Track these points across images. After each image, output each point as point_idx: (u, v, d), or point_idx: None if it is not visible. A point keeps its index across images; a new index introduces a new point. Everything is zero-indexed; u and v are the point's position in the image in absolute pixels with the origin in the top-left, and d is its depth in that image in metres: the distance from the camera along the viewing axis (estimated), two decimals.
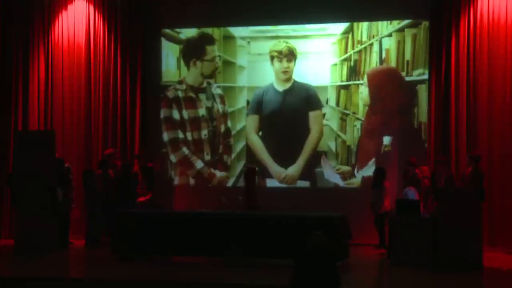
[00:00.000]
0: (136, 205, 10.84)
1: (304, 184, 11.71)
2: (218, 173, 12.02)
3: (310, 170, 11.70)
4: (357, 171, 11.55)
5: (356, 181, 11.54)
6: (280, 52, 11.86)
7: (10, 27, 12.31)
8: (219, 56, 12.15)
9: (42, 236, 9.93)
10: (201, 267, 9.00)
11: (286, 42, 11.88)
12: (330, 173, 11.64)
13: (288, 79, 11.89)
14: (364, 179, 11.40)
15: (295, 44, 11.85)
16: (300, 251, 3.99)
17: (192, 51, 12.21)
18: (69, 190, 10.89)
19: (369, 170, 11.32)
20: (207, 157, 12.03)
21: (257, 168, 11.33)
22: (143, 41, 12.17)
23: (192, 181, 12.07)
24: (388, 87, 11.55)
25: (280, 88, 11.93)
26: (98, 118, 12.12)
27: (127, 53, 12.16)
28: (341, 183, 11.59)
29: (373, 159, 11.40)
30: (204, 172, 12.04)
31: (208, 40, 12.18)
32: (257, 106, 11.98)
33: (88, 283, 8.06)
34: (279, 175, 11.76)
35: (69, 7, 12.30)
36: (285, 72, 11.87)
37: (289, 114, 11.83)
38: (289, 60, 11.86)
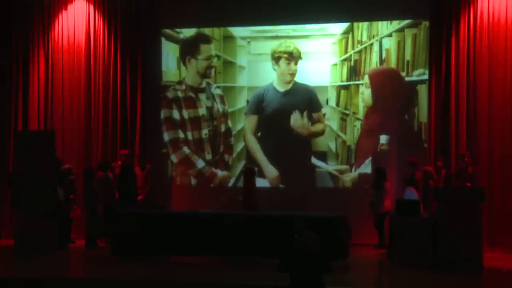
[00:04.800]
0: (136, 205, 10.85)
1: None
2: (220, 173, 12.01)
3: (310, 170, 11.70)
4: (355, 170, 11.56)
5: (352, 175, 11.55)
6: (290, 54, 11.83)
7: (10, 27, 12.31)
8: (219, 56, 12.15)
9: (42, 236, 9.93)
10: (201, 267, 9.00)
11: (293, 44, 11.87)
12: (323, 162, 11.70)
13: (290, 81, 11.90)
14: (361, 176, 11.42)
15: (296, 43, 11.85)
16: (289, 251, 4.04)
17: (187, 49, 12.22)
18: (72, 191, 10.90)
19: (365, 168, 11.39)
20: (208, 157, 12.03)
21: (256, 168, 11.34)
22: (143, 41, 12.17)
23: (193, 181, 12.07)
24: (389, 87, 11.56)
25: (281, 88, 11.92)
26: (98, 118, 12.12)
27: (127, 53, 12.16)
28: (334, 171, 11.61)
29: (370, 158, 11.42)
30: (205, 172, 12.04)
31: (204, 39, 12.17)
32: (257, 106, 11.98)
33: (88, 283, 8.06)
34: (272, 175, 11.76)
35: (69, 7, 12.30)
36: (291, 74, 11.87)
37: (289, 115, 11.82)
38: (296, 63, 11.85)
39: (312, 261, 4.19)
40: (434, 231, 8.82)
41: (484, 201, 9.20)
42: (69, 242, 10.72)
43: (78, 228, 11.22)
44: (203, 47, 12.15)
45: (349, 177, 11.57)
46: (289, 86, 11.89)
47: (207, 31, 12.20)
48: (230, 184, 11.99)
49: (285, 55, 11.85)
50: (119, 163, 11.28)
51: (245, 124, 12.03)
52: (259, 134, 11.97)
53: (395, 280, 8.60)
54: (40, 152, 10.21)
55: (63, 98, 12.23)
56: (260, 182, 11.59)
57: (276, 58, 11.90)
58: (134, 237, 9.31)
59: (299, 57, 11.82)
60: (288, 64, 11.85)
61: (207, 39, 12.17)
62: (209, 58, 12.13)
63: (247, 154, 12.00)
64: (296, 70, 11.83)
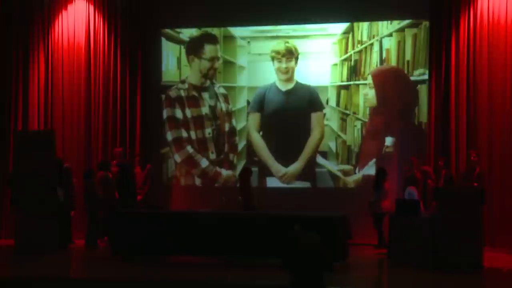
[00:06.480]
0: (136, 205, 10.85)
1: (304, 184, 11.71)
2: (224, 172, 11.99)
3: (310, 170, 11.70)
4: (358, 171, 11.55)
5: (356, 177, 11.54)
6: (277, 52, 11.87)
7: (10, 27, 12.31)
8: (220, 56, 12.14)
9: (42, 236, 9.92)
10: (201, 267, 9.00)
11: (287, 42, 11.88)
12: (327, 161, 11.68)
13: (289, 79, 11.88)
14: (364, 177, 11.41)
15: (296, 43, 11.84)
16: (290, 250, 4.04)
17: (191, 48, 12.22)
18: (71, 190, 10.92)
19: (369, 170, 11.36)
20: (212, 156, 12.02)
21: (254, 168, 11.34)
22: (143, 41, 12.17)
23: (197, 181, 12.05)
24: (393, 87, 11.55)
25: (283, 88, 11.92)
26: (98, 118, 12.12)
27: (127, 53, 12.17)
28: (337, 172, 11.59)
29: (374, 160, 11.40)
30: (209, 171, 12.02)
31: (210, 39, 12.17)
32: (259, 104, 11.97)
33: (88, 283, 8.05)
34: (279, 173, 11.78)
35: (69, 7, 12.31)
36: (285, 72, 11.87)
37: (291, 114, 11.82)
38: (288, 60, 11.85)
39: (312, 260, 4.18)
40: (434, 231, 8.81)
41: (484, 203, 9.12)
42: (69, 242, 10.72)
43: (78, 228, 11.22)
44: (208, 48, 12.14)
45: (353, 178, 11.56)
46: (291, 86, 11.89)
47: (210, 31, 12.19)
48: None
49: (274, 54, 11.85)
50: (114, 162, 11.27)
51: (249, 122, 12.02)
52: (261, 133, 11.96)
53: (395, 280, 8.59)
54: (40, 152, 10.21)
55: (63, 98, 12.23)
56: (271, 182, 11.68)
57: (271, 58, 11.90)
58: (134, 237, 9.31)
59: (290, 54, 11.79)
60: (280, 61, 11.85)
61: (213, 40, 12.16)
62: (212, 59, 12.12)
63: (247, 152, 11.99)
64: (287, 67, 11.82)
